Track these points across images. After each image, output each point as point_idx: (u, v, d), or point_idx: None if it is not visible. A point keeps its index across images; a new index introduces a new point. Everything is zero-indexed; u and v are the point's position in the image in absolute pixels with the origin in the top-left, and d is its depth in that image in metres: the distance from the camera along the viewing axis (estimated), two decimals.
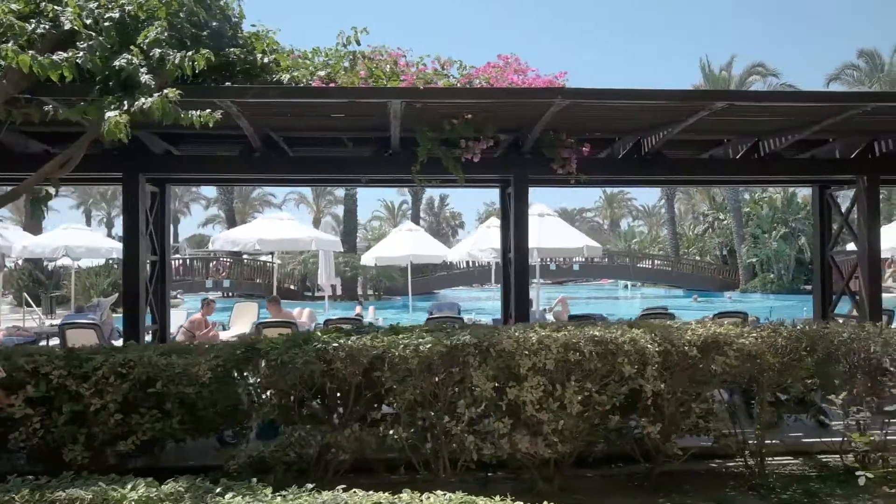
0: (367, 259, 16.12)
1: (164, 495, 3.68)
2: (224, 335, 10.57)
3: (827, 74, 34.24)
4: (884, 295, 23.89)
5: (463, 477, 5.46)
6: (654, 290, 43.06)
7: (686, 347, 5.21)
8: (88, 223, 61.82)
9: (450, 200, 69.61)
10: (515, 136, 7.18)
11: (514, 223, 7.46)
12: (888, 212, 29.12)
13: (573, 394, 5.06)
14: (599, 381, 5.15)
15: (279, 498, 3.55)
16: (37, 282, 24.77)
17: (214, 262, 35.78)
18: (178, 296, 27.21)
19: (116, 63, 4.88)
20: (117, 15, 5.10)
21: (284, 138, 7.19)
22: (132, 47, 4.97)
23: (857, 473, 3.78)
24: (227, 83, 5.67)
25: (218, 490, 3.68)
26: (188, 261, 36.93)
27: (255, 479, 3.84)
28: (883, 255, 17.17)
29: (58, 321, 12.77)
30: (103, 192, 60.70)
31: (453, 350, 4.97)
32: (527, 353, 5.01)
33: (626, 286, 46.03)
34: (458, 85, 6.26)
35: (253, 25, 6.35)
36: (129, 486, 3.71)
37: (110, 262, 25.13)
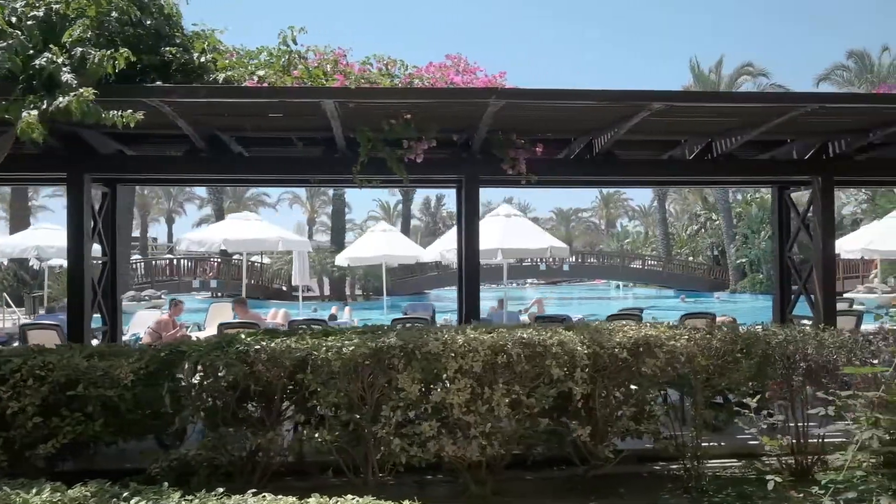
0: (341, 260, 16.05)
1: (68, 500, 3.63)
2: (198, 336, 10.49)
3: (816, 75, 34.08)
4: (868, 296, 23.66)
5: (401, 479, 5.42)
6: (646, 290, 43.08)
7: (616, 350, 5.16)
8: None
9: (446, 200, 69.45)
10: (466, 136, 7.13)
11: (465, 223, 7.41)
12: (874, 213, 29.02)
13: (501, 396, 5.00)
14: (529, 384, 5.10)
15: (184, 502, 3.53)
16: (21, 282, 24.72)
17: (203, 262, 35.71)
18: (163, 296, 27.11)
19: (37, 62, 4.82)
20: (42, 14, 5.05)
21: (238, 139, 7.11)
22: (53, 46, 4.91)
23: (767, 478, 3.74)
24: (162, 82, 5.61)
25: (125, 494, 3.64)
26: (176, 261, 36.81)
27: (166, 483, 3.80)
28: (857, 256, 17.20)
29: None
30: None
31: (378, 352, 4.91)
32: (453, 355, 4.95)
33: (617, 286, 46.03)
34: (400, 85, 6.22)
35: (194, 24, 6.32)
36: (34, 491, 3.67)
37: (94, 261, 25.05)
